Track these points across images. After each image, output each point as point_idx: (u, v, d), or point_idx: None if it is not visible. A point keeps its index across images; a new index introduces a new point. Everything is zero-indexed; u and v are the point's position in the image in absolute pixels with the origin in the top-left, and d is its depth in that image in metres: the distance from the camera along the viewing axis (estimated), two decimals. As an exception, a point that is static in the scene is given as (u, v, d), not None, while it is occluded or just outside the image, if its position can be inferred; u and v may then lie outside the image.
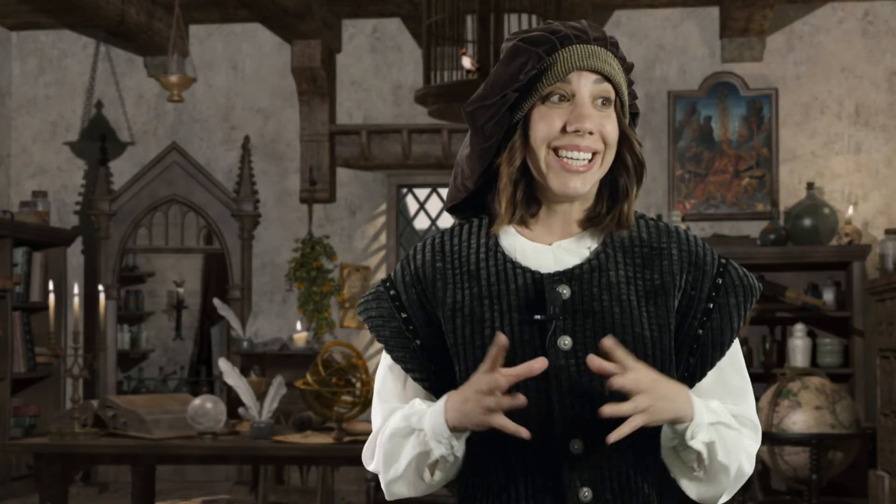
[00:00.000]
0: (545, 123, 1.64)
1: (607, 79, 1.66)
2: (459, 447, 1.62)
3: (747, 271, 1.72)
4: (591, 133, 1.63)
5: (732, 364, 1.70)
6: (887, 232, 7.18)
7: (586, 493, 1.60)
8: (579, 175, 1.64)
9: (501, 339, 1.54)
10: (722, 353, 1.68)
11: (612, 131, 1.66)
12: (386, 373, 1.74)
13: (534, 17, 5.89)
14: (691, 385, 1.68)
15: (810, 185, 7.36)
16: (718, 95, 7.69)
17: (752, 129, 7.67)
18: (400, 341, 1.70)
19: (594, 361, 1.51)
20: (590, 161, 1.64)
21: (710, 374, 1.68)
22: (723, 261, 1.71)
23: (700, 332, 1.67)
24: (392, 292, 1.72)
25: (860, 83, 7.62)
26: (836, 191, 7.59)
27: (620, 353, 1.52)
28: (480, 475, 1.66)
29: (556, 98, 1.65)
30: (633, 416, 1.51)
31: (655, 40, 7.80)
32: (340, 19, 8.05)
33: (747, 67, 7.68)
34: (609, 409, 1.50)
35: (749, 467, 1.68)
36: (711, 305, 1.68)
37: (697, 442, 1.58)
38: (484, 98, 1.69)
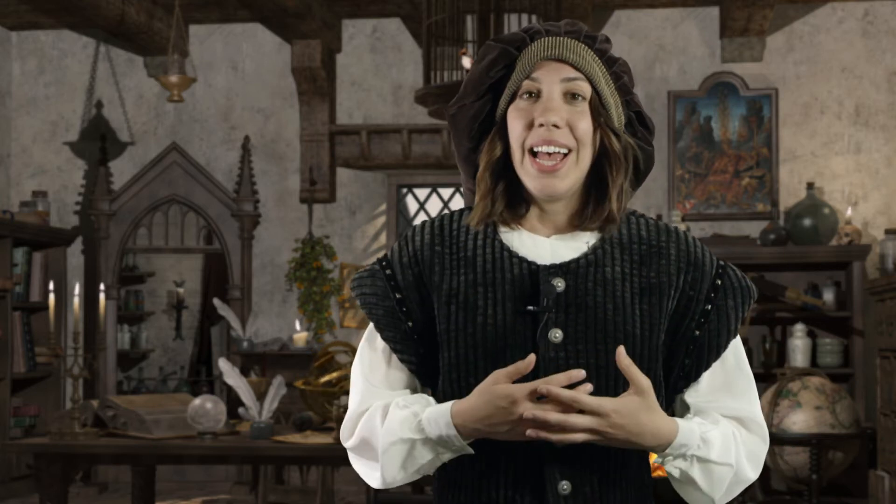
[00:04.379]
0: (517, 122, 1.65)
1: (577, 69, 1.65)
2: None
3: (744, 274, 1.73)
4: (557, 126, 1.62)
5: (737, 365, 1.70)
6: (887, 232, 7.17)
7: (565, 486, 1.61)
8: (555, 174, 1.63)
9: (530, 361, 1.55)
10: (718, 355, 1.67)
11: (583, 127, 1.64)
12: (370, 351, 1.73)
13: (534, 17, 5.88)
14: (686, 385, 1.68)
15: (810, 185, 7.36)
16: (718, 95, 7.69)
17: (752, 129, 7.67)
18: (392, 321, 1.69)
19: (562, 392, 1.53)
20: (564, 157, 1.63)
21: (713, 375, 1.68)
22: (721, 263, 1.72)
23: (697, 333, 1.67)
24: (388, 272, 1.71)
25: (860, 83, 7.62)
26: (836, 191, 7.58)
27: (633, 371, 1.55)
28: (461, 463, 1.66)
29: (525, 95, 1.65)
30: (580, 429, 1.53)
31: (655, 40, 7.80)
32: (340, 19, 8.05)
33: (747, 67, 7.68)
34: (554, 416, 1.52)
35: (754, 473, 1.68)
36: (709, 307, 1.67)
37: (671, 467, 1.63)
38: (462, 99, 1.70)
